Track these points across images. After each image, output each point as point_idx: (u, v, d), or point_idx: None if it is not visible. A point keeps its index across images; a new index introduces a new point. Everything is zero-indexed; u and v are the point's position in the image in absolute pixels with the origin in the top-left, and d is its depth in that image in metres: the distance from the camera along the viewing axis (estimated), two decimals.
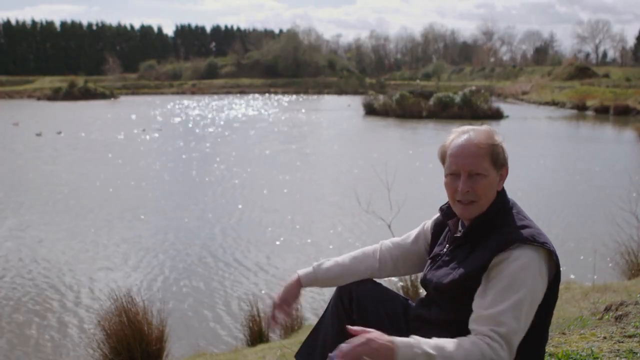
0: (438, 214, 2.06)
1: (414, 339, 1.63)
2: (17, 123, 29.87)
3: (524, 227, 1.78)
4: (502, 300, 1.67)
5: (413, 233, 2.17)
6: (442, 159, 1.91)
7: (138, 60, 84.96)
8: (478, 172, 1.80)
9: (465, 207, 1.84)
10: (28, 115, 36.20)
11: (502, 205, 1.86)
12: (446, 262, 1.90)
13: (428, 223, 2.14)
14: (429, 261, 2.02)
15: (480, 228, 1.83)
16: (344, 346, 1.60)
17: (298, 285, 2.12)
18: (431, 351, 1.60)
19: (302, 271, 2.15)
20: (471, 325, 1.71)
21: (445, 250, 1.95)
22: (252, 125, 29.92)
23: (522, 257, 1.70)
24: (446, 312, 1.86)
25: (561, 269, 1.80)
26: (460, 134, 1.88)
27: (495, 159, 1.82)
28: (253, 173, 16.00)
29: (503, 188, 1.89)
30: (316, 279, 2.13)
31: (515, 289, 1.67)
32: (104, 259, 8.74)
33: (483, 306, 1.69)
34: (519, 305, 1.66)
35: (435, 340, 1.64)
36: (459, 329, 1.76)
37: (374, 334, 1.61)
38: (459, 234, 1.92)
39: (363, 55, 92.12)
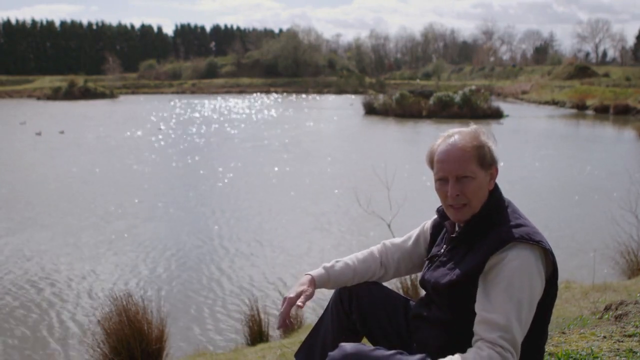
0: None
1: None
2: (24, 122, 30.27)
3: (519, 225, 1.78)
4: (505, 303, 1.66)
5: (413, 234, 2.18)
6: (430, 163, 1.93)
7: (138, 59, 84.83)
8: (466, 175, 1.82)
9: (457, 211, 1.85)
10: (30, 114, 36.16)
11: (497, 205, 1.86)
12: (443, 262, 1.91)
13: (427, 224, 2.14)
14: (427, 262, 2.03)
15: (475, 228, 1.83)
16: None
17: (313, 285, 2.04)
18: None
19: (314, 272, 2.08)
20: (476, 329, 1.69)
21: (442, 251, 1.96)
22: (253, 125, 29.91)
23: (518, 257, 1.70)
24: (445, 312, 1.87)
25: (561, 268, 1.80)
26: (445, 138, 1.89)
27: (482, 159, 1.83)
28: (252, 172, 16.00)
29: (497, 187, 1.89)
30: (328, 280, 2.08)
31: (516, 291, 1.67)
32: (104, 258, 8.73)
33: (487, 309, 1.68)
34: (521, 307, 1.67)
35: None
36: (457, 328, 1.77)
37: None
38: (455, 235, 1.92)
39: (363, 55, 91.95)
